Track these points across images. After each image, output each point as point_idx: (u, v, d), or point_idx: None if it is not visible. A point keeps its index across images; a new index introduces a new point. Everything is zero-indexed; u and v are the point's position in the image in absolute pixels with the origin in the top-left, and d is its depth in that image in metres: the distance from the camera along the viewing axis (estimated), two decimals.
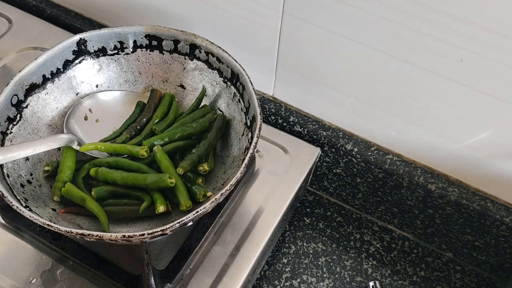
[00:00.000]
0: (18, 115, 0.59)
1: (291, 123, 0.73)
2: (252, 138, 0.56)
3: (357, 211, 0.79)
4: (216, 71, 0.64)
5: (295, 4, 0.58)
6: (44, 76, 0.61)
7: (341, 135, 0.70)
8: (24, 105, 0.60)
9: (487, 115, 0.56)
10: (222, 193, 0.50)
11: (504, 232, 0.64)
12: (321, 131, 0.71)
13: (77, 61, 0.64)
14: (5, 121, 0.57)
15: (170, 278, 0.56)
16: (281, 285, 0.70)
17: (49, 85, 0.62)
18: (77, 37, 0.62)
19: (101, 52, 0.65)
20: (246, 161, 0.53)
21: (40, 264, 0.59)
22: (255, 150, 0.56)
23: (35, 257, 0.59)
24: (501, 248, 0.67)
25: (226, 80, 0.64)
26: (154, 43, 0.65)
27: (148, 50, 0.66)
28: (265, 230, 0.63)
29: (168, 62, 0.67)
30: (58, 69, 0.63)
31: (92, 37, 0.63)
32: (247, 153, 0.54)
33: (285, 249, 0.73)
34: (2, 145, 0.57)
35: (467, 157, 0.62)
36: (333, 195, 0.79)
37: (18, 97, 0.59)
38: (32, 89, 0.60)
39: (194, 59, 0.65)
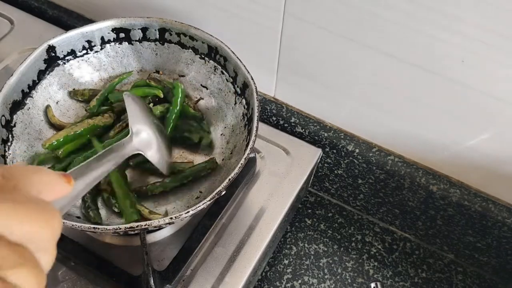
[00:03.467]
0: (10, 135, 0.58)
1: (293, 124, 0.73)
2: (248, 103, 0.59)
3: (358, 212, 0.78)
4: (190, 50, 0.66)
5: (296, 5, 0.58)
6: (23, 91, 0.60)
7: (342, 136, 0.70)
8: (12, 124, 0.59)
9: (489, 116, 0.55)
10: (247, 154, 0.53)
11: (506, 234, 0.64)
12: (323, 132, 0.71)
13: (49, 69, 0.64)
14: (1, 144, 0.56)
15: (170, 279, 0.56)
16: (282, 286, 0.70)
17: (29, 100, 0.61)
18: (45, 45, 0.62)
19: (71, 55, 0.65)
20: (255, 123, 0.56)
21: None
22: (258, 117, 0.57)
23: None
24: (503, 250, 0.67)
25: (203, 56, 0.65)
26: (122, 35, 0.66)
27: (117, 43, 0.67)
28: (266, 231, 0.63)
29: (140, 51, 0.68)
30: (33, 81, 0.62)
31: (60, 42, 0.63)
32: (253, 113, 0.57)
33: (286, 250, 0.73)
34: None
35: (469, 158, 0.62)
36: (334, 196, 0.79)
37: (5, 118, 0.57)
38: (15, 107, 0.59)
39: (165, 43, 0.67)
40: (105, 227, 0.48)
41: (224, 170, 0.60)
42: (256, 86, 0.58)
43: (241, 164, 0.52)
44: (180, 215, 0.48)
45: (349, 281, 0.71)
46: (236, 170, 0.51)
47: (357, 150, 0.69)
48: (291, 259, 0.72)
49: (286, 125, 0.74)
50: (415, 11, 0.50)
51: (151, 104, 0.66)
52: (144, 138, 0.54)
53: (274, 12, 0.60)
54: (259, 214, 0.64)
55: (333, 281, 0.70)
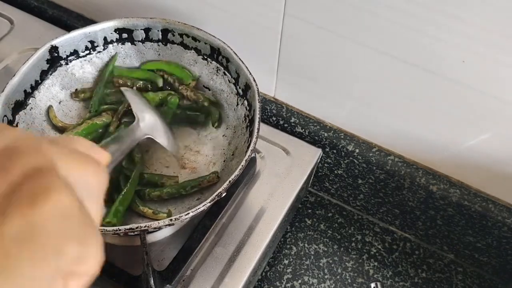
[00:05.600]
0: None
1: (292, 124, 0.73)
2: (250, 105, 0.60)
3: (358, 212, 0.78)
4: (193, 50, 0.66)
5: (296, 5, 0.58)
6: (25, 91, 0.60)
7: (342, 136, 0.70)
8: (14, 125, 0.58)
9: (489, 116, 0.55)
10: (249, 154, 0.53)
11: (506, 234, 0.64)
12: (323, 132, 0.71)
13: (52, 69, 0.63)
14: None
15: (170, 279, 0.56)
16: (282, 286, 0.70)
17: (31, 100, 0.61)
18: (48, 45, 0.62)
19: (74, 55, 0.65)
20: (257, 125, 0.56)
21: None
22: (260, 117, 0.57)
23: None
24: (503, 250, 0.67)
25: (205, 57, 0.65)
26: (125, 35, 0.66)
27: (120, 43, 0.67)
28: (266, 231, 0.63)
29: (142, 52, 0.68)
30: (36, 81, 0.62)
31: (63, 42, 0.63)
32: (254, 115, 0.57)
33: (286, 250, 0.73)
34: None
35: (469, 158, 0.62)
36: (334, 196, 0.79)
37: (7, 118, 0.57)
38: (17, 107, 0.59)
39: (168, 44, 0.66)
40: (105, 228, 0.48)
41: (225, 171, 0.60)
42: (258, 88, 0.58)
43: (242, 166, 0.52)
44: (180, 216, 0.48)
45: (349, 281, 0.71)
46: (236, 172, 0.51)
47: (357, 150, 0.69)
48: (291, 259, 0.72)
49: (286, 125, 0.74)
50: (415, 11, 0.50)
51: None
52: (150, 123, 0.57)
53: (274, 12, 0.60)
54: (259, 214, 0.64)
55: (333, 281, 0.70)
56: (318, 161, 0.71)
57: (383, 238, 0.76)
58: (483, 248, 0.69)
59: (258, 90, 0.58)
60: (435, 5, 0.48)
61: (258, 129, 0.55)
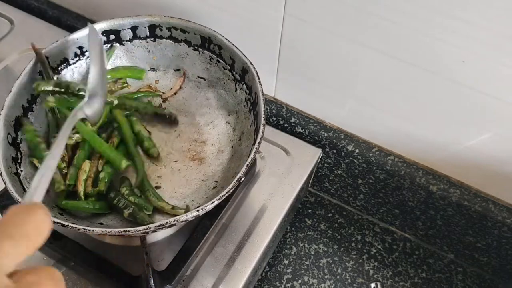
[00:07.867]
0: (18, 152, 0.57)
1: (293, 124, 0.73)
2: (250, 88, 0.59)
3: (358, 212, 0.78)
4: (183, 43, 0.65)
5: (296, 5, 0.58)
6: (23, 106, 0.59)
7: (342, 136, 0.70)
8: (18, 141, 0.57)
9: (489, 116, 0.55)
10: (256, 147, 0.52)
11: (506, 234, 0.64)
12: (323, 132, 0.71)
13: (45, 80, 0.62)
14: (12, 162, 0.55)
15: (170, 279, 0.56)
16: (282, 286, 0.70)
17: (30, 114, 0.60)
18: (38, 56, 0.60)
19: (64, 63, 0.64)
20: (262, 106, 0.55)
21: (41, 264, 0.59)
22: (263, 98, 0.57)
23: (36, 257, 0.59)
24: (503, 250, 0.67)
25: (197, 48, 0.65)
26: (112, 37, 0.65)
27: (108, 45, 0.66)
28: (266, 231, 0.63)
29: (131, 51, 0.67)
30: (32, 95, 0.60)
31: (52, 52, 0.61)
32: (257, 97, 0.57)
33: (286, 250, 0.73)
34: (22, 185, 0.54)
35: (469, 158, 0.62)
36: (334, 196, 0.79)
37: (11, 136, 0.56)
38: (18, 123, 0.58)
39: (157, 39, 0.66)
40: (136, 228, 0.47)
41: (235, 157, 0.60)
42: (256, 71, 0.58)
43: (256, 148, 0.52)
44: (206, 206, 0.48)
45: (349, 281, 0.71)
46: (252, 155, 0.51)
47: (357, 150, 0.69)
48: (291, 259, 0.72)
49: (286, 125, 0.74)
50: (415, 11, 0.50)
51: None
52: (95, 106, 0.52)
53: (274, 12, 0.60)
54: (259, 214, 0.64)
55: (333, 281, 0.71)
56: (318, 161, 0.71)
57: (383, 238, 0.76)
58: (483, 248, 0.69)
59: (257, 73, 0.58)
60: (435, 5, 0.48)
61: (265, 110, 0.55)
